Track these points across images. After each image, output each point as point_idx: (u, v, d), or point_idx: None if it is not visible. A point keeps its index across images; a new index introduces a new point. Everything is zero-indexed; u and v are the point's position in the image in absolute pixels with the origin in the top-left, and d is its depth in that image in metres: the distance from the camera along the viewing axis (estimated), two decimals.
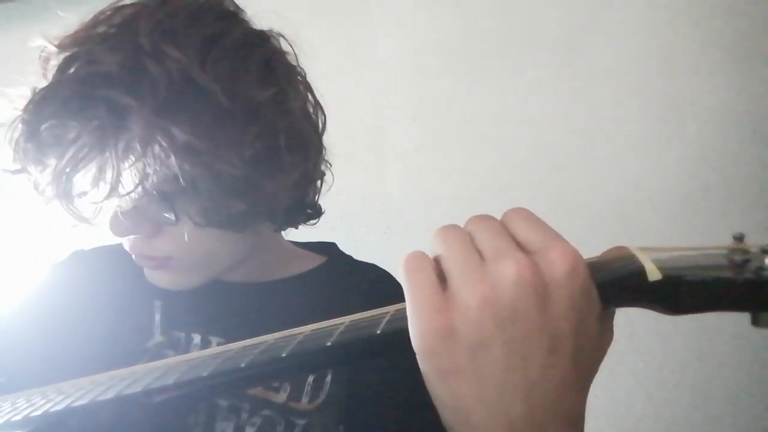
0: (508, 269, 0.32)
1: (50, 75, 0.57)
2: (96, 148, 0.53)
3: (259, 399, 0.67)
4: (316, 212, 0.76)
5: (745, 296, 0.32)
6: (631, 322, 1.44)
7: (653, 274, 0.33)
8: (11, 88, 0.58)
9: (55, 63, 0.57)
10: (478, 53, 1.57)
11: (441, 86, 1.58)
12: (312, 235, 0.84)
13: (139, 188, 0.54)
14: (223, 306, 0.72)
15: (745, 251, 0.33)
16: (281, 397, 0.67)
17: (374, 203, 1.59)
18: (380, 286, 0.78)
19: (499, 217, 0.37)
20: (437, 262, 0.36)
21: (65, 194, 0.56)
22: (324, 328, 0.41)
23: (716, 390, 1.43)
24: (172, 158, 0.53)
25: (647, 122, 1.49)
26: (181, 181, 0.54)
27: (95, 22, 0.59)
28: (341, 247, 0.87)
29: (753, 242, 0.33)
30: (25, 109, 0.55)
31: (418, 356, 0.35)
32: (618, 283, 0.35)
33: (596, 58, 1.51)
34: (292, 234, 0.79)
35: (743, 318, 0.34)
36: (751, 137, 1.44)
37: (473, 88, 1.57)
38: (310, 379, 0.68)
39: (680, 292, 0.33)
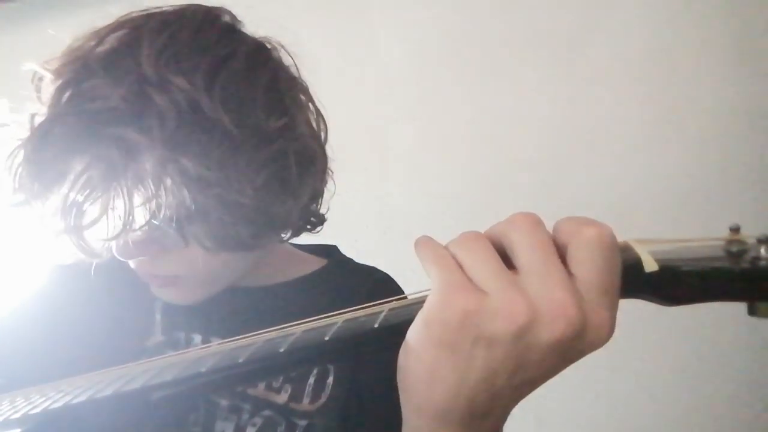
0: (549, 304, 0.33)
1: (45, 99, 0.54)
2: (104, 185, 0.52)
3: (260, 399, 0.67)
4: (320, 221, 0.75)
5: (742, 286, 0.33)
6: (631, 322, 1.44)
7: (650, 265, 0.34)
8: (8, 106, 0.57)
9: (51, 90, 0.54)
10: (478, 53, 1.57)
11: (441, 86, 1.58)
12: (312, 236, 0.84)
13: (150, 221, 0.53)
14: (224, 308, 0.71)
15: (742, 242, 0.33)
16: (282, 398, 0.67)
17: (374, 203, 1.59)
18: (381, 290, 0.78)
19: (502, 219, 0.37)
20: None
21: (74, 229, 0.54)
22: (322, 323, 0.41)
23: (716, 390, 1.43)
24: (184, 191, 0.52)
25: (647, 122, 1.49)
26: (192, 212, 0.54)
27: (94, 43, 0.56)
28: (341, 248, 0.87)
29: (749, 233, 0.34)
30: (27, 142, 0.53)
31: (423, 321, 0.36)
32: None
33: (596, 58, 1.51)
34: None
35: (743, 318, 0.34)
36: (751, 137, 1.44)
37: (473, 88, 1.57)
38: (312, 380, 0.68)
39: (677, 282, 0.34)
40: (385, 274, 0.81)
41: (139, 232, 0.55)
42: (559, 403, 1.49)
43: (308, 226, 0.74)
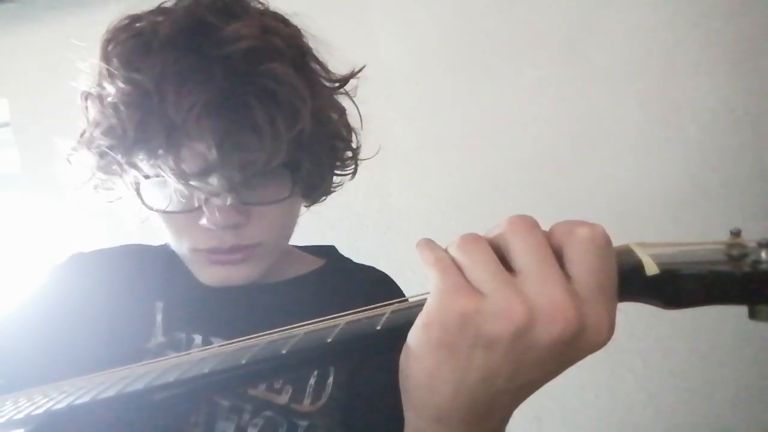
0: (547, 305, 0.33)
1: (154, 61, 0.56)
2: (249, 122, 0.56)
3: (261, 400, 0.67)
4: (331, 189, 0.79)
5: (743, 290, 0.33)
6: (631, 322, 1.44)
7: (651, 268, 0.34)
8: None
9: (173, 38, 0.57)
10: (478, 53, 1.57)
11: (441, 86, 1.58)
12: (312, 236, 0.84)
13: (281, 160, 0.59)
14: (223, 307, 0.72)
15: (743, 245, 0.33)
16: (283, 399, 0.67)
17: (374, 203, 1.59)
18: (379, 289, 0.78)
19: (501, 219, 0.37)
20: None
21: (221, 165, 0.56)
22: (324, 325, 0.41)
23: (716, 390, 1.43)
24: (321, 134, 0.63)
25: (647, 122, 1.49)
26: (306, 153, 0.62)
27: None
28: (340, 247, 0.87)
29: (750, 238, 0.34)
30: (164, 93, 0.55)
31: (422, 324, 0.36)
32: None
33: (596, 58, 1.51)
34: (292, 237, 0.79)
35: (743, 318, 0.34)
36: (751, 137, 1.44)
37: (473, 88, 1.57)
38: (312, 380, 0.68)
39: (678, 286, 0.34)
40: (384, 273, 0.82)
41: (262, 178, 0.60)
42: (559, 403, 1.49)
43: (325, 195, 0.79)
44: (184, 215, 0.62)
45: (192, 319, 0.71)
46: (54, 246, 1.75)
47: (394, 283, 0.81)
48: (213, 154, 0.55)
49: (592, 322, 0.34)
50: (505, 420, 0.41)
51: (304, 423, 0.66)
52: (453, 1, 1.59)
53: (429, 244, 0.38)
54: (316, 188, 0.72)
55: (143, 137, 0.56)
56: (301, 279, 0.78)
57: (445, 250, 0.37)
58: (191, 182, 0.57)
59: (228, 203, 0.59)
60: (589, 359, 0.37)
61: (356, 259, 0.85)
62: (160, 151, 0.56)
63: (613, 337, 0.36)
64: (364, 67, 0.73)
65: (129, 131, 0.56)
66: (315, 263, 0.81)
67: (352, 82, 0.75)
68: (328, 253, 0.85)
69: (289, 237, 0.74)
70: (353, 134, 0.76)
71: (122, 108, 0.56)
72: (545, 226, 0.36)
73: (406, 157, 1.59)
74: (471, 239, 0.36)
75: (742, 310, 0.35)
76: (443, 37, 1.59)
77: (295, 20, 0.69)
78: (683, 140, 1.47)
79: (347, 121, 0.74)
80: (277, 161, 0.58)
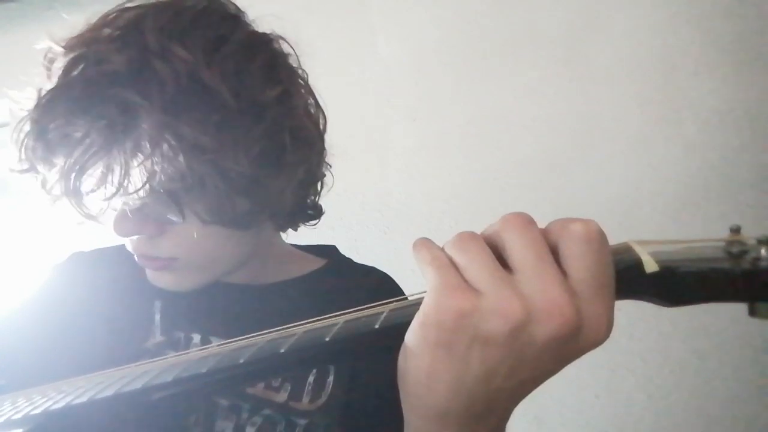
0: (544, 302, 0.33)
1: (55, 76, 0.57)
2: (104, 147, 0.54)
3: (259, 398, 0.66)
4: (317, 213, 0.77)
5: (742, 287, 0.33)
6: (631, 322, 1.44)
7: (650, 265, 0.34)
8: (15, 90, 0.59)
9: (60, 64, 0.57)
10: (478, 53, 1.57)
11: (441, 86, 1.58)
12: (311, 236, 0.84)
13: (147, 186, 0.55)
14: (223, 307, 0.72)
15: (742, 243, 0.33)
16: (282, 397, 0.67)
17: (374, 203, 1.59)
18: (380, 289, 0.78)
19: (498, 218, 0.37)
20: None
21: (74, 192, 0.56)
22: (323, 324, 0.41)
23: (716, 390, 1.43)
24: (180, 156, 0.54)
25: (647, 122, 1.49)
26: (189, 179, 0.55)
27: (102, 23, 0.59)
28: (341, 247, 0.87)
29: (749, 234, 0.34)
30: (34, 109, 0.56)
31: (419, 323, 0.36)
32: (615, 275, 0.35)
33: (596, 58, 1.51)
34: (292, 236, 0.79)
35: (743, 318, 0.34)
36: (751, 137, 1.44)
37: (473, 88, 1.57)
38: (311, 379, 0.68)
39: (677, 283, 0.34)
40: (384, 273, 0.81)
41: (135, 199, 0.56)
42: (559, 403, 1.49)
43: (305, 218, 0.75)
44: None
45: (190, 319, 0.71)
46: (54, 246, 1.75)
47: (395, 283, 0.80)
48: (73, 175, 0.55)
49: (590, 318, 0.34)
50: (504, 419, 0.40)
51: (303, 421, 0.66)
52: (453, 1, 1.59)
53: (425, 242, 0.38)
54: (233, 216, 0.60)
55: (35, 156, 0.58)
56: (302, 279, 0.78)
57: (442, 249, 0.37)
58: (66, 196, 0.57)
59: (126, 214, 0.59)
60: (590, 359, 0.37)
61: (356, 259, 0.85)
62: (48, 168, 0.58)
63: (613, 337, 0.36)
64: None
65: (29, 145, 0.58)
66: (316, 263, 0.81)
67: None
68: (329, 253, 0.85)
69: (219, 259, 0.67)
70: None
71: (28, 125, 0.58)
72: (538, 225, 0.36)
73: (406, 157, 1.59)
74: (467, 237, 0.36)
75: (741, 309, 0.35)
76: (443, 37, 1.59)
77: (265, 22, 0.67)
78: (683, 140, 1.47)
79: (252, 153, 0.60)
80: (156, 186, 0.56)
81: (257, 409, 0.66)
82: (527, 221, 0.35)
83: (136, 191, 0.55)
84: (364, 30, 1.62)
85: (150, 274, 0.67)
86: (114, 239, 0.79)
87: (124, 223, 0.60)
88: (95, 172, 0.55)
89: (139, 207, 0.58)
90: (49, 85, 0.56)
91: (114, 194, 0.55)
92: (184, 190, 0.57)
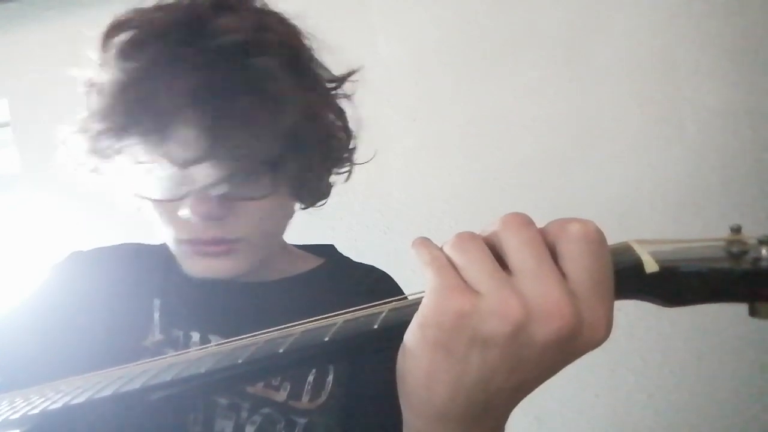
0: (543, 303, 0.33)
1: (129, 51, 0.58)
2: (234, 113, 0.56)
3: (259, 397, 0.67)
4: (328, 192, 0.78)
5: (743, 287, 0.32)
6: (631, 323, 1.44)
7: (650, 265, 0.34)
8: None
9: (158, 29, 0.58)
10: (478, 53, 1.57)
11: (441, 86, 1.58)
12: (312, 236, 0.84)
13: (265, 154, 0.58)
14: (222, 305, 0.72)
15: (743, 242, 0.33)
16: (281, 396, 0.67)
17: (374, 203, 1.59)
18: (379, 288, 0.78)
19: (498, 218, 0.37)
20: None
21: (184, 163, 0.56)
22: (322, 323, 0.41)
23: (716, 390, 1.43)
24: (312, 133, 0.62)
25: (647, 122, 1.49)
26: (294, 150, 0.60)
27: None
28: (340, 247, 0.87)
29: (750, 234, 0.33)
30: (140, 82, 0.56)
31: (418, 324, 0.36)
32: (615, 275, 0.35)
33: (596, 58, 1.51)
34: (292, 236, 0.79)
35: (743, 318, 0.34)
36: (751, 137, 1.44)
37: (473, 88, 1.57)
38: (311, 378, 0.68)
39: (678, 283, 0.33)
40: (383, 271, 0.82)
41: (236, 169, 0.58)
42: (559, 403, 1.49)
43: (321, 198, 0.77)
44: (171, 204, 0.62)
45: (189, 317, 0.71)
46: (54, 245, 1.75)
47: (394, 282, 0.81)
48: (200, 142, 0.55)
49: (589, 319, 0.33)
50: (503, 419, 0.40)
51: (302, 420, 0.66)
52: (453, 1, 1.59)
53: (425, 242, 0.38)
54: (306, 188, 0.69)
55: (133, 122, 0.57)
56: (300, 277, 0.78)
57: (441, 249, 0.37)
58: (177, 170, 0.57)
59: (209, 195, 0.59)
60: (590, 359, 0.37)
61: (356, 259, 0.85)
62: (150, 137, 0.57)
63: (613, 337, 0.36)
64: (361, 68, 0.73)
65: (119, 116, 0.57)
66: (314, 262, 0.81)
67: (351, 84, 0.74)
68: (327, 252, 0.85)
69: (277, 235, 0.73)
70: (350, 136, 0.74)
71: (115, 94, 0.57)
72: (537, 226, 0.36)
73: (406, 157, 1.59)
74: (466, 238, 0.36)
75: (741, 309, 0.35)
76: (443, 37, 1.59)
77: (297, 21, 0.69)
78: (683, 140, 1.47)
79: (346, 122, 0.73)
80: (261, 155, 0.58)
81: (257, 408, 0.66)
82: (526, 222, 0.35)
83: (260, 157, 0.58)
84: (364, 30, 1.62)
85: (201, 265, 0.66)
86: (111, 239, 0.80)
87: (207, 204, 0.60)
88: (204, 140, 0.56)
89: (226, 184, 0.59)
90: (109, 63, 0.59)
91: (248, 156, 0.58)
92: (281, 162, 0.61)
